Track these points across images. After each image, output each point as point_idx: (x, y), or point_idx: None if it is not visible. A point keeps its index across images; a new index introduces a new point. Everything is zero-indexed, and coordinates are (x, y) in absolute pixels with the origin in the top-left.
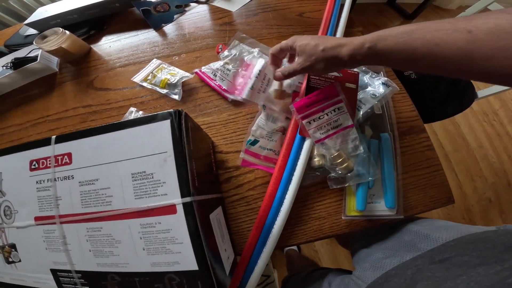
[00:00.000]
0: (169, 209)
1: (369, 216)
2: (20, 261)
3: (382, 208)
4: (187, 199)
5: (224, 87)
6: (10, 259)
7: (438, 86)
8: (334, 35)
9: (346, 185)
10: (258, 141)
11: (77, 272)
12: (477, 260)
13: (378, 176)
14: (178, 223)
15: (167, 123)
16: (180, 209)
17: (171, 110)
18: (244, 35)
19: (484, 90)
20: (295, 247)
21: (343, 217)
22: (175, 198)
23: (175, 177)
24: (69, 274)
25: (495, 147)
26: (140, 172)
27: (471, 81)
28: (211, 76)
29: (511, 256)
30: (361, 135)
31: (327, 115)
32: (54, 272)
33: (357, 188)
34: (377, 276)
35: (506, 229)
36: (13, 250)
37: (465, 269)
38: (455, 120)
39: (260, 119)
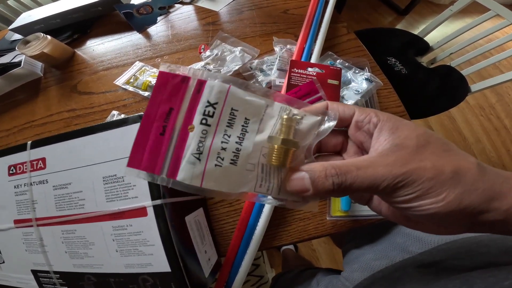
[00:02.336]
0: (140, 212)
1: (354, 216)
2: (3, 262)
3: (367, 208)
4: (158, 202)
5: None
6: None
7: (430, 80)
8: (318, 31)
9: None
10: None
11: (55, 272)
12: (470, 265)
13: None
14: (149, 226)
15: (137, 126)
16: (150, 211)
17: (142, 113)
18: (226, 34)
19: (479, 83)
20: (291, 247)
21: (327, 218)
22: (146, 201)
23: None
24: (48, 274)
25: (492, 142)
26: (111, 176)
27: (464, 75)
28: None
29: (506, 261)
30: None
31: None
32: (34, 272)
33: None
34: (365, 277)
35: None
36: None
37: (456, 273)
38: (451, 115)
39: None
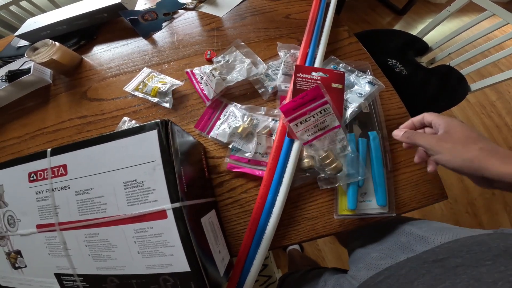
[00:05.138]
0: (160, 215)
1: (361, 214)
2: (26, 266)
3: (374, 206)
4: (177, 205)
5: (205, 92)
6: (17, 265)
7: (430, 80)
8: (320, 35)
9: (336, 185)
10: (239, 149)
11: (79, 275)
12: (471, 262)
13: (368, 175)
14: (169, 227)
15: (154, 133)
16: (170, 214)
17: (158, 120)
18: (242, 43)
19: (479, 82)
20: (297, 247)
21: (335, 217)
22: (165, 204)
23: (164, 184)
24: (72, 277)
25: (494, 139)
26: (131, 181)
27: (464, 74)
28: (199, 78)
29: (506, 260)
30: (350, 135)
31: (314, 117)
32: (58, 276)
33: (347, 188)
34: (370, 275)
35: (502, 233)
36: (18, 256)
37: (461, 270)
38: (452, 114)
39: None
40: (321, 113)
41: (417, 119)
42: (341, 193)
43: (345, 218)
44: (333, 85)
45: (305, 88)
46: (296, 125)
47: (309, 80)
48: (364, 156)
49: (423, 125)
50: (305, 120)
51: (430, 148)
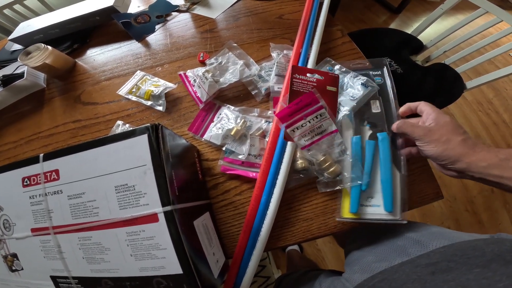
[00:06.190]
0: (152, 218)
1: (365, 219)
2: (22, 269)
3: (381, 211)
4: (168, 208)
5: (198, 95)
6: (14, 268)
7: (426, 79)
8: (313, 35)
9: (335, 188)
10: (233, 151)
11: (74, 278)
12: (463, 267)
13: (375, 179)
14: (160, 231)
15: (144, 138)
16: (161, 217)
17: (148, 124)
18: (235, 44)
19: (475, 79)
20: (297, 247)
21: (337, 219)
22: (156, 208)
23: (155, 188)
24: (67, 280)
25: (492, 136)
26: (123, 185)
27: (460, 71)
28: (192, 81)
29: (499, 265)
30: (356, 137)
31: (310, 122)
32: (53, 278)
33: (351, 191)
34: (364, 278)
35: (499, 238)
36: (15, 259)
37: (452, 275)
38: (449, 111)
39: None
40: (317, 118)
41: (414, 105)
42: (345, 196)
43: (349, 221)
44: (328, 88)
45: (301, 90)
46: (293, 131)
47: (305, 82)
48: (371, 160)
49: (416, 111)
50: (302, 126)
51: (420, 138)
